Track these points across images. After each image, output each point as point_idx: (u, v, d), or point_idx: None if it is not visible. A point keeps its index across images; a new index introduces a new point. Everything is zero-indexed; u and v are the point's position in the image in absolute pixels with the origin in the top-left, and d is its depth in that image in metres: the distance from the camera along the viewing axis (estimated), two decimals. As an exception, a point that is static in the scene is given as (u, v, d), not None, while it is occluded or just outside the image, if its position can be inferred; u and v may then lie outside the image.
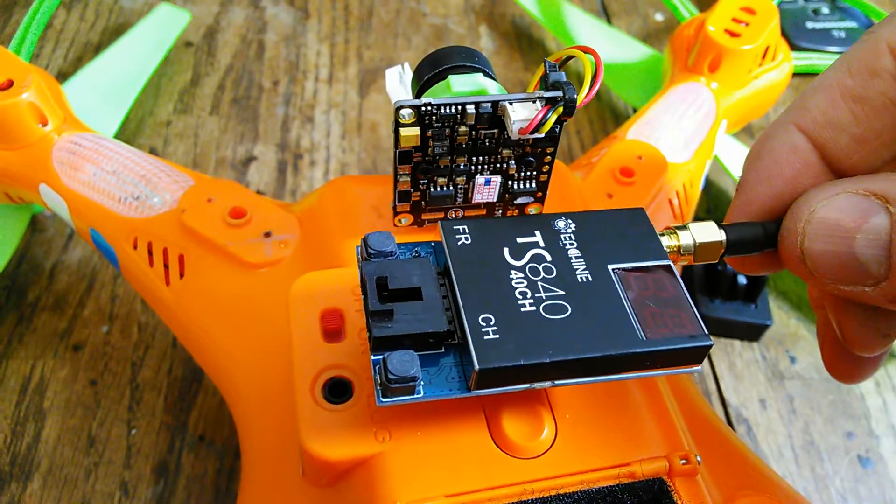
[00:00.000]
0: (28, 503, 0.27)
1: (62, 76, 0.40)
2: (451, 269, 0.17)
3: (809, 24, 0.45)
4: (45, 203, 0.28)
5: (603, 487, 0.17)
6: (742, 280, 0.32)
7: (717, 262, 0.18)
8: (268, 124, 0.40)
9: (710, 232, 0.18)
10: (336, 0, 0.47)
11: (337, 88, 0.42)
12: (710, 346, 0.16)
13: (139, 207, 0.26)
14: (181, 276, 0.24)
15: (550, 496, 0.17)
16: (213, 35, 0.44)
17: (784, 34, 0.44)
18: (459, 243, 0.17)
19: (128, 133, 0.39)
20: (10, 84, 0.26)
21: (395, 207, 0.20)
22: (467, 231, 0.18)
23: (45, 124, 0.27)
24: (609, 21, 0.47)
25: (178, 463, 0.28)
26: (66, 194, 0.27)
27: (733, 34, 0.32)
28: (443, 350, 0.17)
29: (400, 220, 0.20)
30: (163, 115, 0.40)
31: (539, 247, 0.18)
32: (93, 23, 0.44)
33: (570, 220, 0.18)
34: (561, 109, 0.17)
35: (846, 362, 0.20)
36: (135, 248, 0.25)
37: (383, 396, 0.16)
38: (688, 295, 0.17)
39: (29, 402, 0.29)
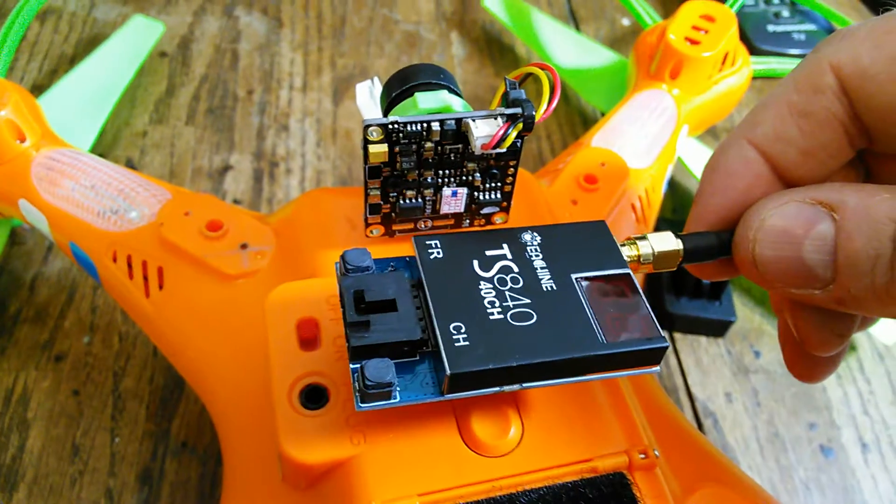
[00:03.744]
0: (14, 513, 0.27)
1: (37, 88, 0.40)
2: (424, 281, 0.18)
3: (770, 28, 0.46)
4: (25, 218, 0.28)
5: (567, 483, 0.18)
6: (707, 279, 0.33)
7: (675, 269, 0.20)
8: (243, 133, 0.40)
9: (667, 241, 0.19)
10: (309, 8, 0.47)
11: (311, 97, 0.42)
12: (665, 348, 0.17)
13: (117, 221, 0.26)
14: (160, 287, 0.25)
15: (517, 492, 0.18)
16: (187, 45, 0.44)
17: (745, 37, 0.45)
18: (432, 257, 0.18)
19: (104, 144, 0.39)
20: (-12, 102, 0.27)
21: (366, 219, 0.21)
22: (439, 246, 0.19)
23: (22, 140, 0.28)
24: (577, 27, 0.48)
25: (161, 470, 0.29)
26: (45, 209, 0.27)
27: (693, 42, 0.34)
28: (417, 357, 0.18)
29: (371, 232, 0.21)
30: (139, 125, 0.40)
31: (507, 259, 0.19)
32: (66, 35, 0.44)
33: (535, 233, 0.19)
34: (521, 125, 0.18)
35: (806, 362, 0.21)
36: (114, 261, 0.26)
37: (362, 402, 0.17)
38: (645, 301, 0.18)
39: (12, 413, 0.30)
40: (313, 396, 0.19)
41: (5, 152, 0.28)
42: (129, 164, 0.38)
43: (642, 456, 0.19)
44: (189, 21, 0.45)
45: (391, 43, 0.46)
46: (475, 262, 0.18)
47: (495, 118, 0.18)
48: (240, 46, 0.45)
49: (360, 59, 0.45)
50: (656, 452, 0.19)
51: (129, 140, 0.39)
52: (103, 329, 0.32)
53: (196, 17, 0.46)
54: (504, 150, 0.19)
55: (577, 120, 0.43)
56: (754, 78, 0.38)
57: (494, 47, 0.46)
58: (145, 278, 0.25)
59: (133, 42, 0.40)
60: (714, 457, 0.23)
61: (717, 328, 0.34)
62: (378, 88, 0.22)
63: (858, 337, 0.35)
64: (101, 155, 0.29)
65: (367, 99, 0.23)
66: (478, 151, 0.19)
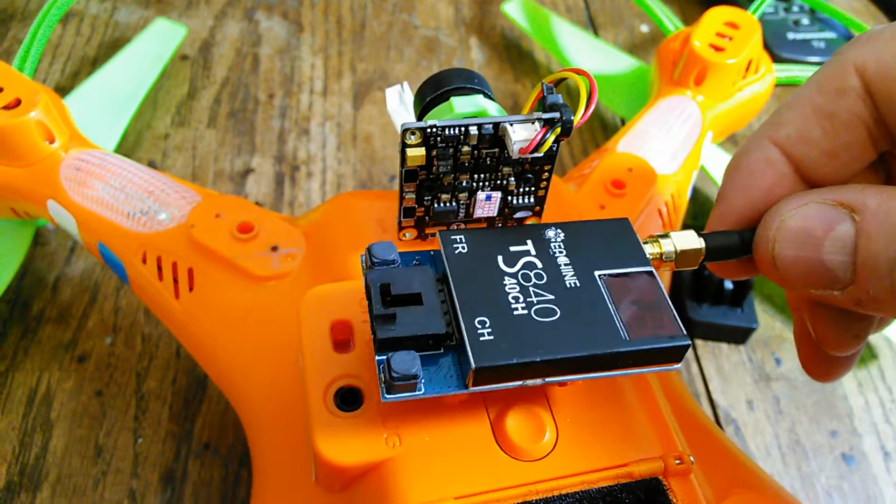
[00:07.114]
0: (37, 513, 0.27)
1: (60, 90, 0.40)
2: (450, 276, 0.18)
3: (790, 35, 0.46)
4: (53, 218, 0.28)
5: (602, 487, 0.18)
6: (728, 285, 0.33)
7: (697, 268, 0.20)
8: (264, 137, 0.40)
9: (690, 240, 0.19)
10: (329, 13, 0.48)
11: (331, 101, 0.43)
12: (688, 346, 0.18)
13: (147, 222, 0.26)
14: (190, 289, 0.25)
15: (553, 496, 0.18)
16: (208, 48, 0.44)
17: (766, 45, 0.45)
18: (457, 252, 0.19)
19: (126, 146, 0.39)
20: (18, 103, 0.27)
21: (399, 222, 0.21)
22: (464, 241, 0.19)
23: (52, 142, 0.28)
24: (596, 33, 0.48)
25: (184, 470, 0.29)
26: (74, 210, 0.27)
27: (717, 48, 0.34)
28: (442, 351, 0.18)
29: (404, 235, 0.21)
30: (161, 128, 0.40)
31: (531, 255, 0.19)
32: (89, 37, 0.44)
33: (559, 230, 0.19)
34: (559, 130, 0.18)
35: (821, 362, 0.21)
36: (144, 262, 0.26)
37: (387, 393, 0.17)
38: (668, 298, 0.18)
39: (36, 413, 0.30)
40: (348, 398, 0.19)
41: (35, 153, 0.28)
42: (152, 166, 0.38)
43: (678, 462, 0.19)
44: (210, 25, 0.46)
45: (411, 48, 0.46)
46: (500, 258, 0.19)
47: (533, 122, 0.19)
48: (260, 50, 0.45)
49: (379, 63, 0.45)
50: (691, 458, 0.19)
51: (151, 142, 0.40)
52: (126, 330, 0.32)
53: (217, 21, 0.46)
54: (541, 154, 0.19)
55: (597, 126, 0.43)
56: (776, 86, 0.38)
57: (514, 53, 0.46)
58: (175, 280, 0.25)
59: (155, 45, 0.40)
60: (743, 462, 0.23)
61: (739, 335, 0.34)
62: (408, 93, 0.23)
63: (880, 345, 0.35)
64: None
65: (398, 104, 0.23)
66: (515, 156, 0.19)
